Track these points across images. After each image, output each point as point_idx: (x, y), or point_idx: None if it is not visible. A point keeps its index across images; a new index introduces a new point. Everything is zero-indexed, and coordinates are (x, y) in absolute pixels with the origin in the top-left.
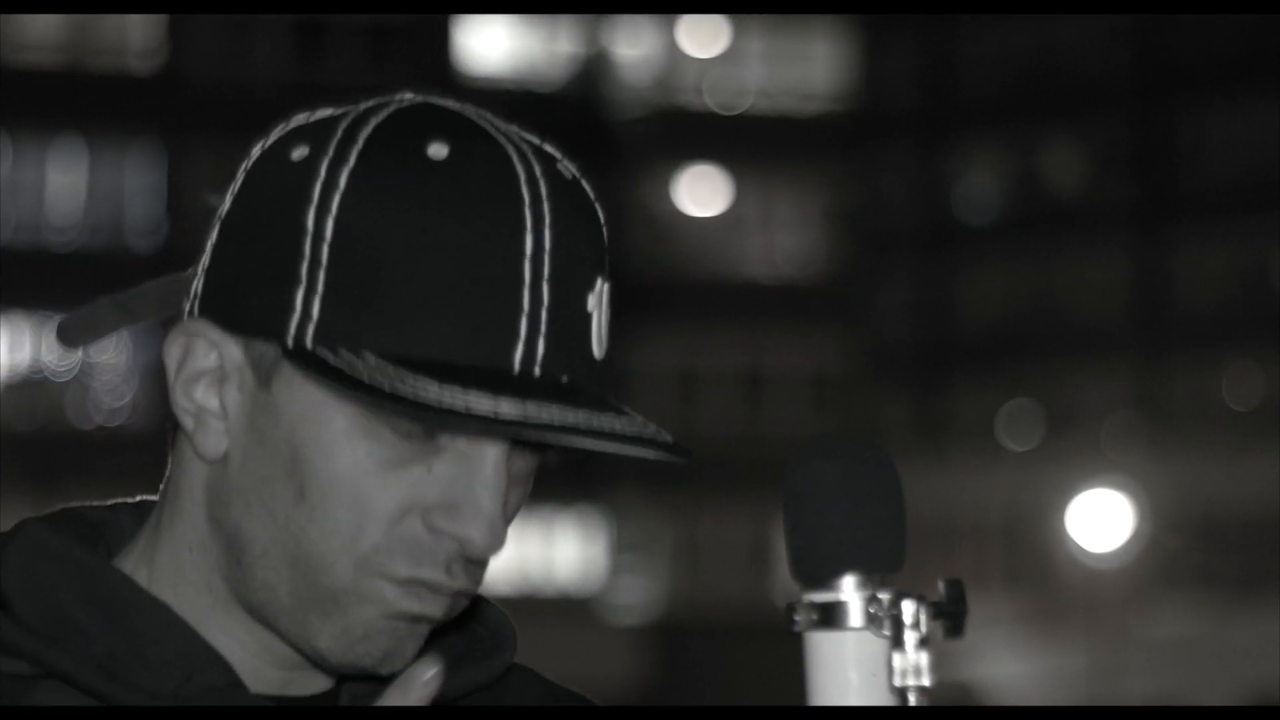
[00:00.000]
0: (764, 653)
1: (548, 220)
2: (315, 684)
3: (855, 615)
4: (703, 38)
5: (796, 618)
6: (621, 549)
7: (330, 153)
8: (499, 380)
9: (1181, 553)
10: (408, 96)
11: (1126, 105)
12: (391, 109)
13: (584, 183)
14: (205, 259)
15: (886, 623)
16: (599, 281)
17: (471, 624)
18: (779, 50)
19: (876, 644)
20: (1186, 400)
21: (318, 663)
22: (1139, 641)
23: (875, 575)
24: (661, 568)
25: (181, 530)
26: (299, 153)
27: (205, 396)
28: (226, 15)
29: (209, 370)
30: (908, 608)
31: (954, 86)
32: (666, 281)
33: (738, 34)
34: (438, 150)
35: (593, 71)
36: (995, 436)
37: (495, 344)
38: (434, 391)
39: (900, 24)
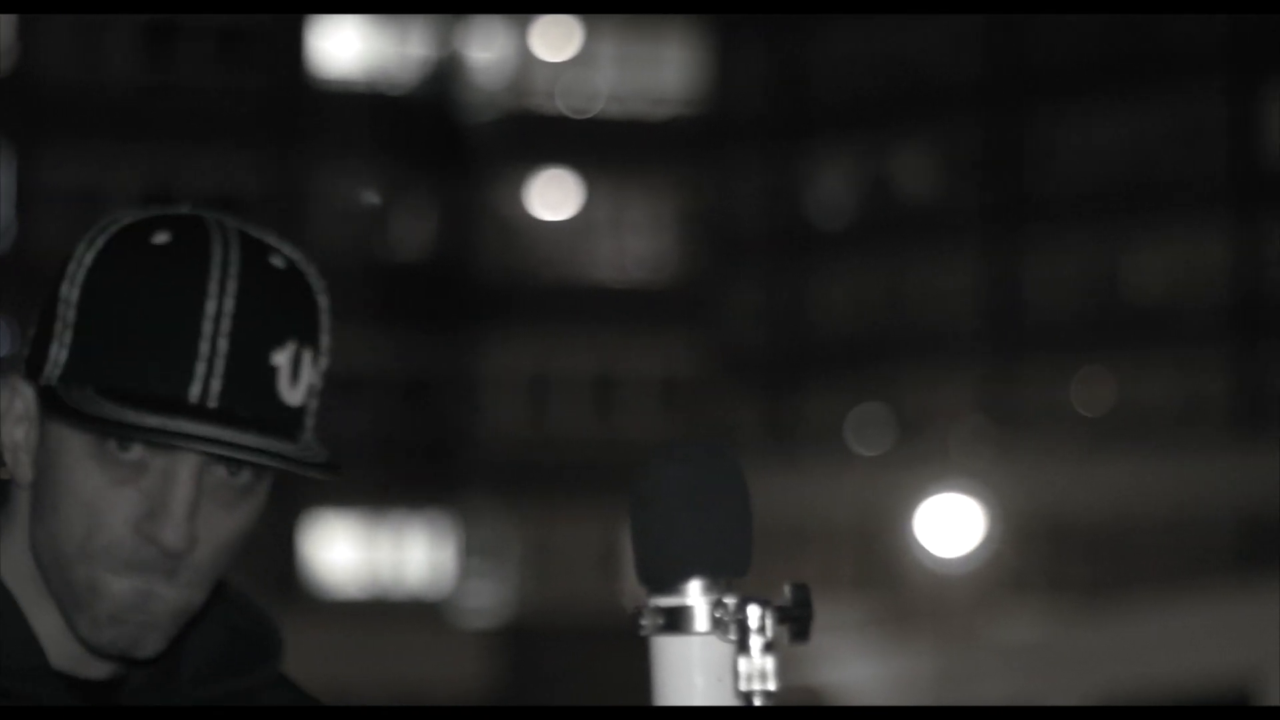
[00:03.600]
0: (613, 656)
1: (231, 292)
2: (105, 668)
3: (701, 619)
4: (555, 41)
5: (643, 622)
6: (471, 552)
7: (85, 242)
8: (177, 407)
9: (1028, 559)
10: (182, 209)
11: (977, 110)
12: (152, 213)
13: (299, 269)
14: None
15: (732, 627)
16: (291, 344)
17: (239, 629)
18: (631, 54)
19: (722, 648)
20: (1036, 405)
21: (88, 648)
22: (988, 645)
23: (721, 580)
24: (511, 571)
25: (19, 538)
26: (77, 248)
27: (14, 434)
28: (77, 16)
29: (19, 413)
30: (753, 612)
31: (806, 91)
32: (518, 285)
33: (590, 37)
34: (160, 238)
35: (445, 74)
36: (845, 441)
37: (178, 379)
38: (119, 413)
39: (752, 28)
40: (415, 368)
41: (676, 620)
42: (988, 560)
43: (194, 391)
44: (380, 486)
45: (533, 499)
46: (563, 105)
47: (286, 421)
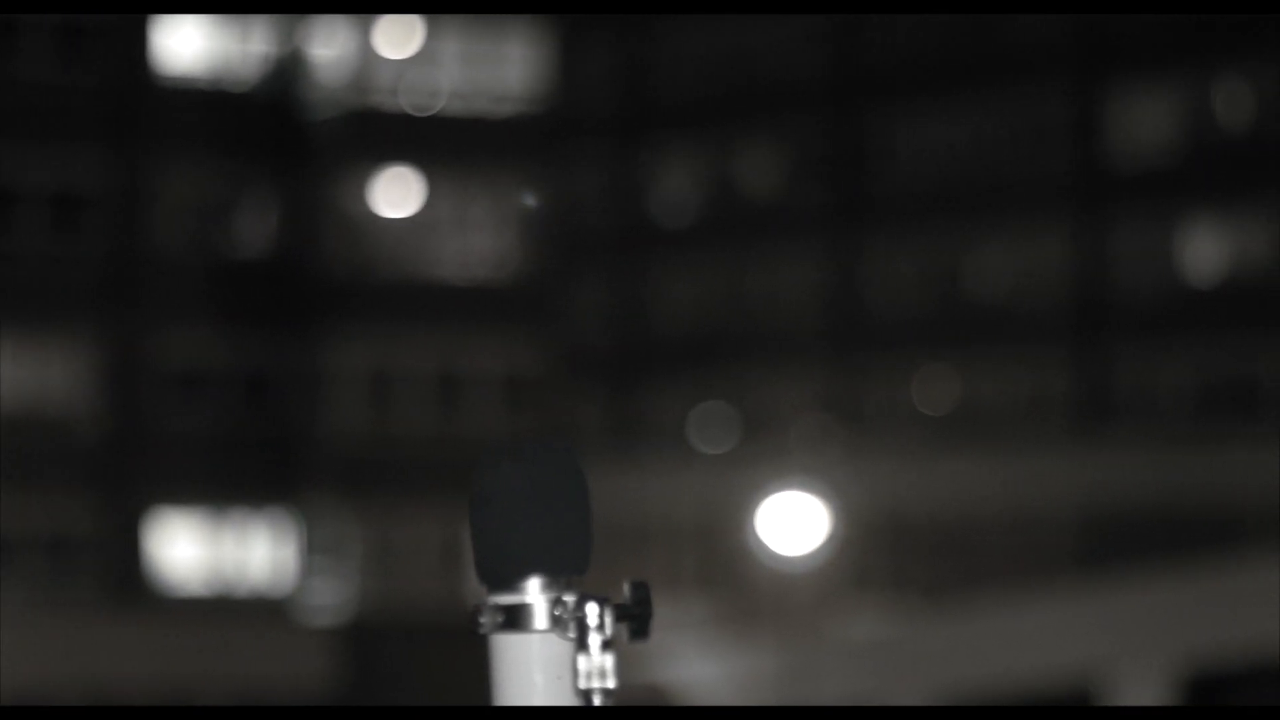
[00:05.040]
0: (456, 654)
1: None
2: None
3: (540, 617)
4: (397, 38)
5: (482, 620)
6: (313, 550)
7: None
8: None
9: (871, 557)
10: None
11: (820, 109)
12: None
13: None
14: None
15: (571, 625)
16: None
17: None
18: (474, 51)
19: (562, 646)
20: (878, 403)
21: None
22: (831, 643)
23: (561, 578)
24: (353, 569)
25: None
26: None
27: None
28: None
29: None
30: (592, 610)
31: (650, 89)
32: (360, 283)
33: (432, 35)
34: None
35: (287, 71)
36: (687, 438)
37: None
38: None
39: (597, 26)
40: (257, 365)
41: (516, 618)
42: (830, 558)
43: None
44: (222, 484)
45: (375, 497)
46: (405, 103)
47: None
